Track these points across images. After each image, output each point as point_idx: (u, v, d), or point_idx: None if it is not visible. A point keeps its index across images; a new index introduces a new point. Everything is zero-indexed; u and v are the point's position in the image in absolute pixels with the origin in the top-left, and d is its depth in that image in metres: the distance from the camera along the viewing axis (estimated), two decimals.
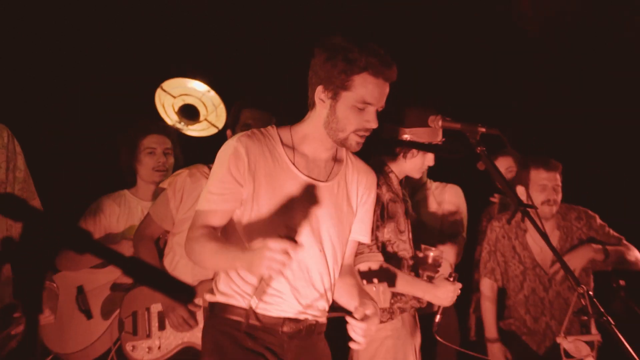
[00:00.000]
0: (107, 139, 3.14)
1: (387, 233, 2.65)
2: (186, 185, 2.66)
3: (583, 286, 2.13)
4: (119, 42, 3.64)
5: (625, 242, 3.06)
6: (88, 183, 3.21)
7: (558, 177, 3.05)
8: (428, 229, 3.29)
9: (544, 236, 2.24)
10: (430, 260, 2.60)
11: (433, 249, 2.61)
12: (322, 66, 1.86)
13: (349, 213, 2.04)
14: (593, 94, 3.99)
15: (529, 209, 2.26)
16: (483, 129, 2.25)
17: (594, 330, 2.53)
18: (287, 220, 1.89)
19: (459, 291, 2.61)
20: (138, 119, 3.15)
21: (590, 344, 2.39)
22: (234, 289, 1.93)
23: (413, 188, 3.42)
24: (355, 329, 1.81)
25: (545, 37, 3.83)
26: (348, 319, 1.83)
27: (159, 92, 3.54)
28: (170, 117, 3.54)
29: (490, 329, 3.17)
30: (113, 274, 2.89)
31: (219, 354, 1.91)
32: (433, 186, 3.45)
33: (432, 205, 3.41)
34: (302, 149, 1.96)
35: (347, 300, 2.04)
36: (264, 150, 1.90)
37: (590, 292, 2.63)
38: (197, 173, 2.69)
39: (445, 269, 2.85)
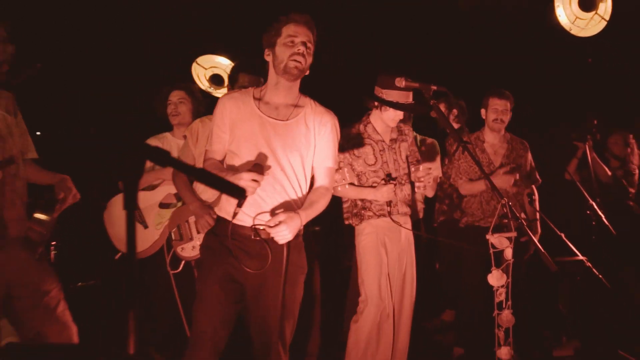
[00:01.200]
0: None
1: (358, 166, 3.28)
2: (199, 129, 3.24)
3: (505, 199, 2.76)
4: (169, 29, 4.32)
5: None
6: (147, 127, 3.89)
7: (508, 104, 3.84)
8: None
9: (478, 163, 2.88)
10: (421, 170, 3.25)
11: (423, 164, 3.29)
12: (265, 38, 2.42)
13: (307, 145, 2.44)
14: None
15: (468, 145, 3.01)
16: (434, 87, 2.74)
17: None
18: (258, 149, 2.35)
19: (392, 191, 3.24)
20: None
21: (509, 239, 3.02)
22: (223, 206, 2.45)
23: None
24: (272, 231, 2.26)
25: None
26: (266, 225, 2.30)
27: (194, 65, 4.30)
28: (203, 83, 4.27)
29: (479, 183, 3.86)
30: (160, 195, 3.44)
31: (206, 247, 2.47)
32: (418, 138, 3.98)
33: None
34: (266, 98, 2.42)
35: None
36: (239, 104, 2.40)
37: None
38: (206, 120, 3.25)
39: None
